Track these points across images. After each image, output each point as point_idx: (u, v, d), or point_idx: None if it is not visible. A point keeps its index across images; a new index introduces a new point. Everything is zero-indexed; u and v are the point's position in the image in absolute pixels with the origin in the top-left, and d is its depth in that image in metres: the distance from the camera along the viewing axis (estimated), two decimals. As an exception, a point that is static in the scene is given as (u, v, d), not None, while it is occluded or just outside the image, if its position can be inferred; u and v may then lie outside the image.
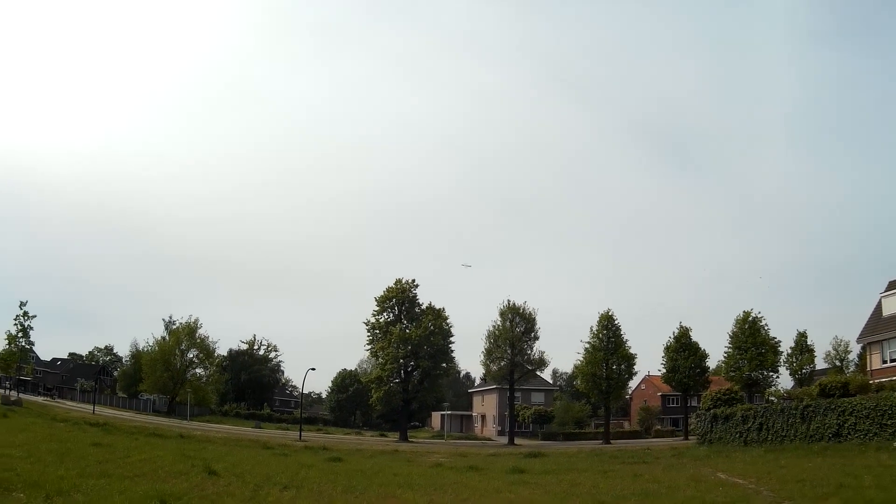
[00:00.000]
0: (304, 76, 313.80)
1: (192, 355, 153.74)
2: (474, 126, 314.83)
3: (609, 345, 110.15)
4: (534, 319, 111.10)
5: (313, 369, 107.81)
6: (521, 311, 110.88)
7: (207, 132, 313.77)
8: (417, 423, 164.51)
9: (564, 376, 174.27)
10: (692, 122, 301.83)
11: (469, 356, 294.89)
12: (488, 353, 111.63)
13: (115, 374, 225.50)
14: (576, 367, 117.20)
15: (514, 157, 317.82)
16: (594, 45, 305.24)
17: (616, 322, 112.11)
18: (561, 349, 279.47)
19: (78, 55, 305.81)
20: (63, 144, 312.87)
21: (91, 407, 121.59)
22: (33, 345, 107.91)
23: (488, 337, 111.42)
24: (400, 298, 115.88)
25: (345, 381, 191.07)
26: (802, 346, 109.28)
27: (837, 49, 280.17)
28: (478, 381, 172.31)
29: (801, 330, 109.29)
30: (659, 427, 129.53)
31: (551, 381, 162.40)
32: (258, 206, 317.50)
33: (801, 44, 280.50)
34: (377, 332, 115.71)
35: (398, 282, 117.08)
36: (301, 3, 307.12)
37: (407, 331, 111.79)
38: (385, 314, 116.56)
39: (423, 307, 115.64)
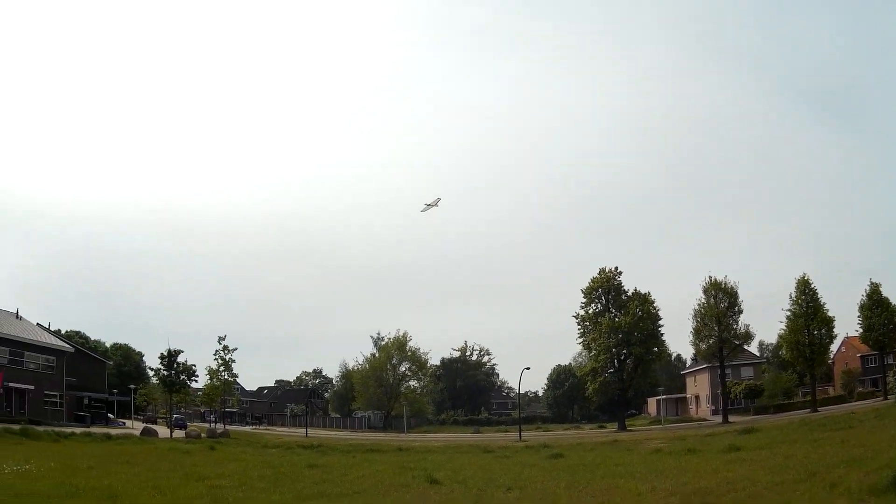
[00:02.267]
0: (470, 82, 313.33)
1: (404, 368, 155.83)
2: (642, 108, 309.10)
3: (808, 310, 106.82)
4: (736, 293, 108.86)
5: (528, 368, 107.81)
6: (723, 285, 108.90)
7: (385, 149, 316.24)
8: (634, 411, 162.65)
9: (770, 347, 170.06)
10: (862, 79, 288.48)
11: (677, 337, 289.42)
12: (696, 332, 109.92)
13: (326, 395, 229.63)
14: (779, 336, 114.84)
15: (686, 134, 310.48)
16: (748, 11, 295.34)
17: (812, 286, 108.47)
18: (764, 320, 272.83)
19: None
20: (263, 183, 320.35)
21: (302, 430, 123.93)
22: (237, 377, 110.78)
23: (695, 316, 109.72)
24: (605, 287, 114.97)
25: (560, 376, 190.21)
26: None
27: None
28: (689, 362, 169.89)
29: None
30: (861, 389, 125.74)
31: (758, 354, 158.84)
32: (454, 214, 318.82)
33: None
34: (587, 323, 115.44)
35: (602, 271, 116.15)
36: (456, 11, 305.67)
37: (616, 319, 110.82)
38: (593, 305, 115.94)
39: (629, 294, 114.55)
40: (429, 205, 79.01)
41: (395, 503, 24.62)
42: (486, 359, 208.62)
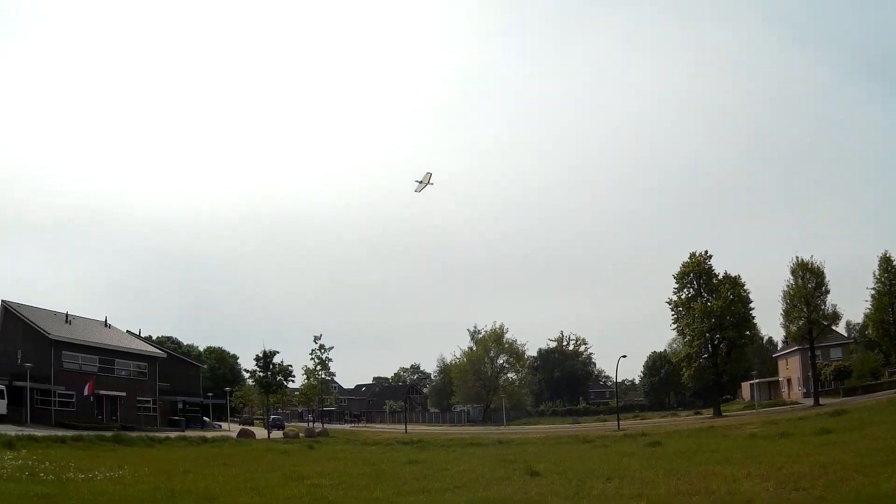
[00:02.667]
0: (545, 68, 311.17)
1: (501, 360, 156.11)
2: (711, 86, 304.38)
3: (892, 288, 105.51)
4: (822, 273, 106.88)
5: (624, 356, 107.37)
6: (810, 266, 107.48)
7: (471, 139, 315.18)
8: (728, 396, 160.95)
9: (857, 327, 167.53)
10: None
11: (768, 319, 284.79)
12: (786, 314, 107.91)
13: (425, 391, 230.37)
14: (865, 315, 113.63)
15: (762, 110, 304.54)
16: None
17: (895, 262, 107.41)
18: (850, 299, 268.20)
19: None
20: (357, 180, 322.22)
21: (401, 427, 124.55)
22: (334, 375, 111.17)
23: (784, 297, 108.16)
24: (696, 272, 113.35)
25: (655, 363, 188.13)
26: None
27: None
28: (780, 345, 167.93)
29: None
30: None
31: (846, 335, 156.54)
32: (542, 205, 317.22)
33: None
34: (680, 309, 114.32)
35: (692, 255, 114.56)
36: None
37: (708, 304, 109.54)
38: (685, 290, 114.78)
39: (720, 277, 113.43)
40: (420, 182, 78.04)
41: (495, 497, 24.58)
42: (582, 348, 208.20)
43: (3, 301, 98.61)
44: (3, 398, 79.39)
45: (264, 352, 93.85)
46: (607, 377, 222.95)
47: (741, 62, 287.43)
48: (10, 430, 55.36)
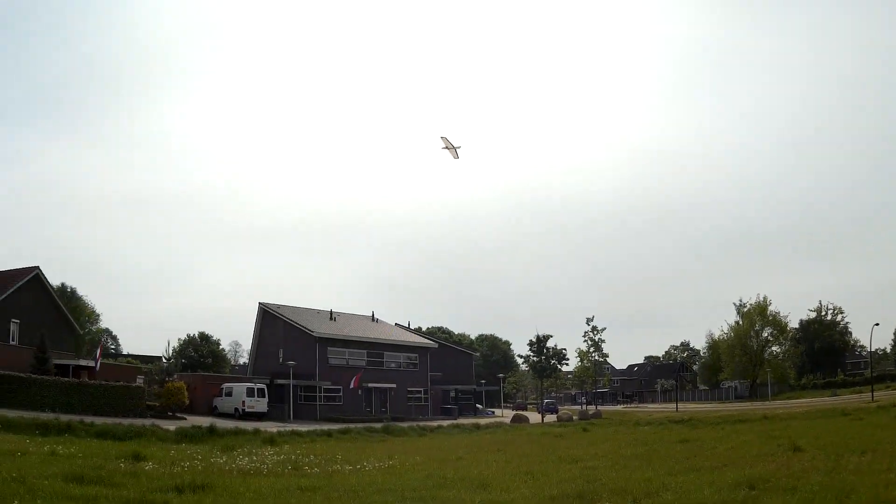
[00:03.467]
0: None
1: (766, 334, 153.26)
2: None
3: None
4: None
5: (877, 325, 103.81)
6: None
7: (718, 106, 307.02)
8: None
9: None
10: None
11: None
12: None
13: (694, 368, 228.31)
14: None
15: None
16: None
17: None
18: None
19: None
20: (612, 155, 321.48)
21: (672, 405, 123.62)
22: (607, 356, 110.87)
23: None
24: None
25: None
26: None
27: None
28: None
29: None
30: None
31: None
32: (786, 169, 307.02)
33: None
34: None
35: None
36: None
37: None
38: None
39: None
40: (448, 146, 74.83)
41: (759, 474, 23.76)
42: (839, 318, 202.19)
43: (260, 304, 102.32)
44: (265, 396, 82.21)
45: (537, 336, 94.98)
46: (861, 347, 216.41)
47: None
48: (272, 427, 57.23)
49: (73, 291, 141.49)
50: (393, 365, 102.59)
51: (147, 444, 37.12)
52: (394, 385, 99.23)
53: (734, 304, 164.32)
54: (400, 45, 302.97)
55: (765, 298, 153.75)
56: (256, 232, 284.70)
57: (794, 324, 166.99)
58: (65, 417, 43.33)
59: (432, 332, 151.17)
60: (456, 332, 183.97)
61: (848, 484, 20.06)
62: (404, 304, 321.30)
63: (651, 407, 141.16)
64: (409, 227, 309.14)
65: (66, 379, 62.57)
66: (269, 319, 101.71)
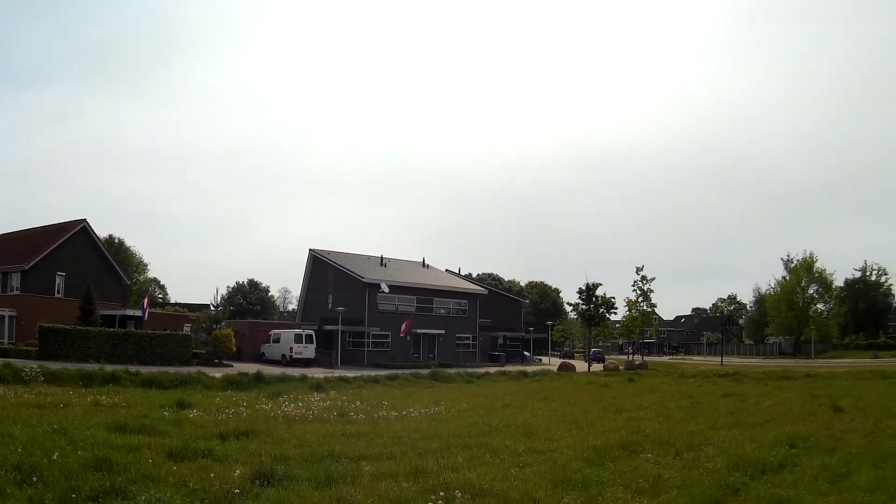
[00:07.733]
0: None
1: (812, 291, 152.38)
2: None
3: None
4: None
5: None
6: None
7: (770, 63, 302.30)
8: None
9: None
10: None
11: None
12: None
13: (741, 322, 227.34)
14: None
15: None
16: None
17: None
18: None
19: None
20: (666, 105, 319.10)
21: (717, 359, 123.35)
22: (655, 307, 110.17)
23: None
24: None
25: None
26: None
27: None
28: None
29: None
30: None
31: None
32: (843, 131, 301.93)
33: None
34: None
35: None
36: None
37: None
38: None
39: None
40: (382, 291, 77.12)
41: (800, 432, 23.93)
42: (883, 279, 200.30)
43: (310, 250, 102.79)
44: (312, 342, 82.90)
45: (587, 284, 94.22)
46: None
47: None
48: (319, 373, 57.70)
49: (122, 242, 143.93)
50: (442, 311, 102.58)
51: (192, 392, 38.04)
52: (442, 331, 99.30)
53: (782, 259, 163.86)
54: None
55: (811, 255, 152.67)
56: (310, 183, 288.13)
57: (839, 282, 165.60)
58: (109, 368, 44.26)
59: (482, 279, 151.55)
60: (506, 279, 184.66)
61: (886, 448, 20.23)
62: (456, 252, 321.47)
63: (696, 359, 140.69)
64: (463, 177, 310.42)
65: (112, 329, 63.75)
66: (319, 266, 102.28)
